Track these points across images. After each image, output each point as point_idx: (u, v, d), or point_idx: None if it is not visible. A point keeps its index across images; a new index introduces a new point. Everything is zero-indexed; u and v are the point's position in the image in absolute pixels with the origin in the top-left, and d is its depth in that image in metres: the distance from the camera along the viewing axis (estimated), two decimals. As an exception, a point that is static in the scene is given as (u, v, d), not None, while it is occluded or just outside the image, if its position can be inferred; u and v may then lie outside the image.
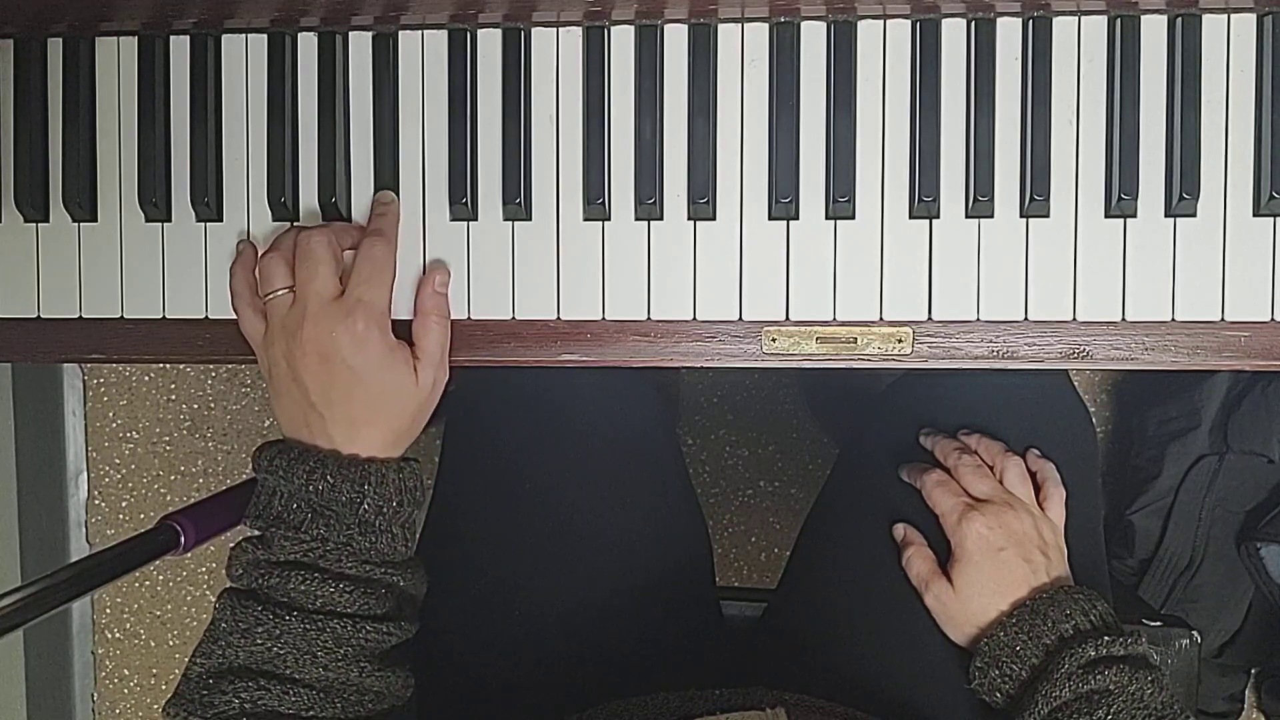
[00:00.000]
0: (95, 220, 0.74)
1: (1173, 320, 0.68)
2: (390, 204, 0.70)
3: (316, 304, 0.64)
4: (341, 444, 0.65)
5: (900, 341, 0.70)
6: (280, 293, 0.65)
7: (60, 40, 0.73)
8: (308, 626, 0.63)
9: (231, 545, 0.67)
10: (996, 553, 0.71)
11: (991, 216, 0.69)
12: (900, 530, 0.77)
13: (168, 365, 1.52)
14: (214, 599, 0.66)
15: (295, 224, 0.71)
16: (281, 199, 0.72)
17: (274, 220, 0.73)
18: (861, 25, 0.69)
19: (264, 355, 0.67)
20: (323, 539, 0.64)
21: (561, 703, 0.72)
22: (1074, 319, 0.69)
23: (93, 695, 1.59)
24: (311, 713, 0.63)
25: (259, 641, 0.63)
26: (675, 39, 0.70)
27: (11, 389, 1.41)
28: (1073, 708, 0.65)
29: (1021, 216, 0.69)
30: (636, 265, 0.71)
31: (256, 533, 0.66)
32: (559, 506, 0.78)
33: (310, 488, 0.64)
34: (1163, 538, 1.31)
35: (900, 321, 0.70)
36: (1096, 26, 0.68)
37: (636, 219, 0.70)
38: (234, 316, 0.72)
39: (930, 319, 0.69)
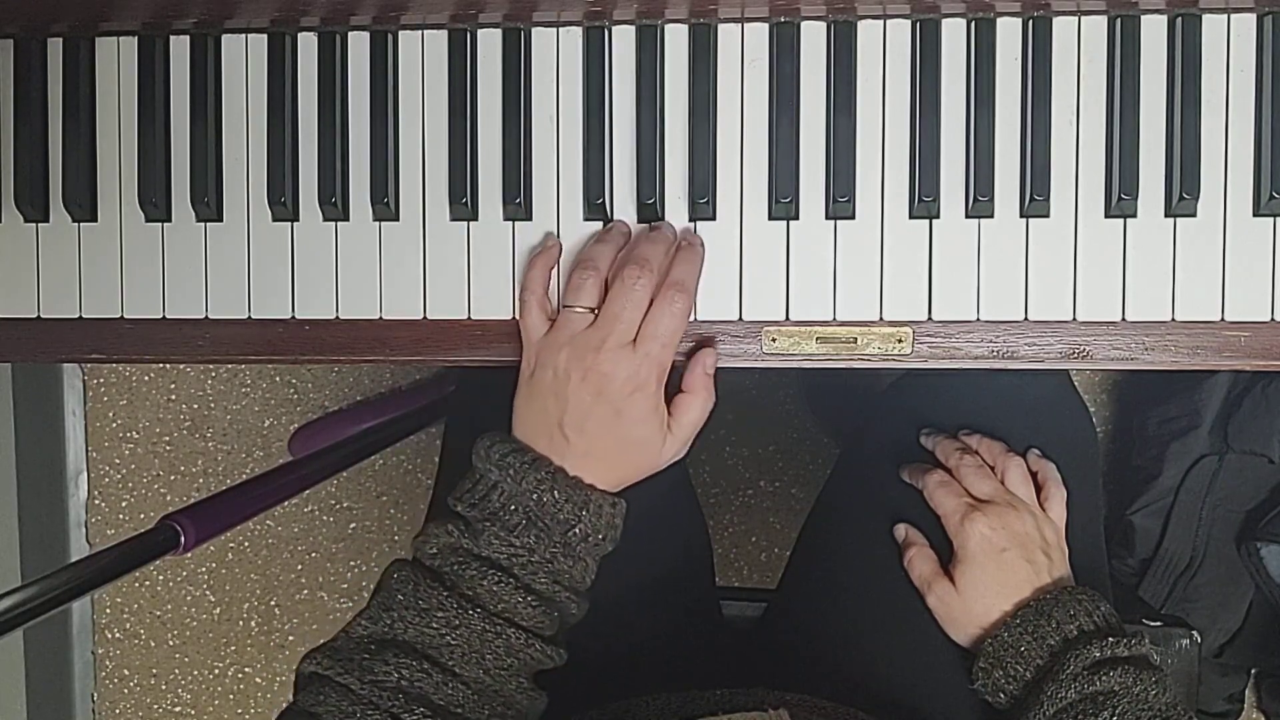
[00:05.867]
0: (95, 220, 0.74)
1: (1173, 320, 0.68)
2: (699, 248, 0.69)
3: (616, 341, 0.64)
4: (570, 470, 0.65)
5: (900, 341, 0.70)
6: (581, 311, 0.65)
7: (60, 40, 0.73)
8: (486, 627, 0.62)
9: (434, 522, 0.66)
10: (999, 553, 0.71)
11: (991, 216, 0.69)
12: (902, 531, 0.77)
13: (168, 365, 1.52)
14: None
15: (610, 234, 0.69)
16: (281, 199, 0.72)
17: (274, 220, 0.73)
18: (861, 25, 0.69)
19: (534, 355, 0.67)
20: (530, 549, 0.64)
21: (563, 703, 0.72)
22: (1074, 319, 0.69)
23: (93, 695, 1.59)
24: (459, 710, 0.62)
25: (434, 625, 0.62)
26: (675, 39, 0.70)
27: (11, 389, 1.41)
28: (1078, 709, 0.65)
29: (1021, 216, 0.69)
30: (637, 265, 0.70)
31: (461, 517, 0.66)
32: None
33: (535, 496, 0.64)
34: (1163, 538, 1.31)
35: (900, 321, 0.70)
36: (1096, 26, 0.68)
37: (638, 220, 0.70)
38: (234, 317, 0.73)
39: (930, 319, 0.69)
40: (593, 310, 0.66)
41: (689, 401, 0.68)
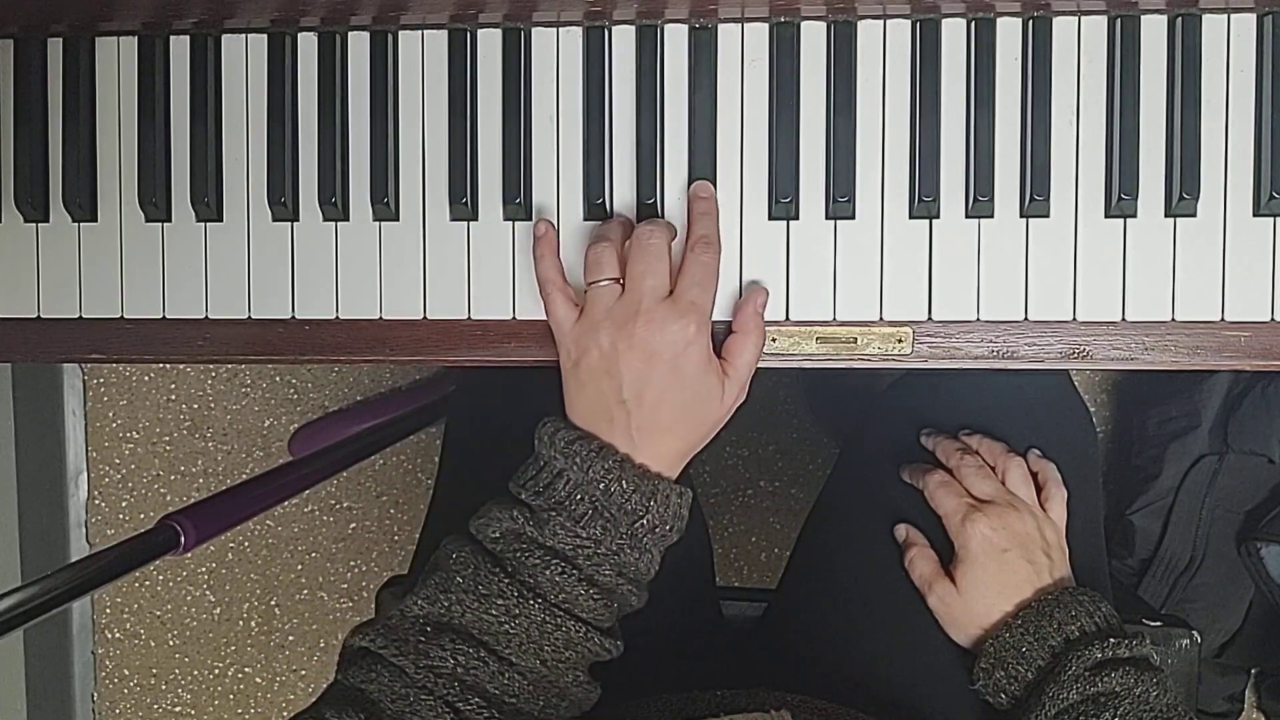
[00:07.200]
0: (95, 220, 0.74)
1: (1173, 320, 0.68)
2: (711, 200, 0.68)
3: (651, 301, 0.63)
4: (637, 445, 0.64)
5: (900, 341, 0.70)
6: (605, 284, 0.64)
7: (60, 40, 0.73)
8: (546, 618, 0.61)
9: (495, 504, 0.65)
10: (1000, 554, 0.71)
11: (991, 216, 0.69)
12: (902, 531, 0.77)
13: (168, 365, 1.52)
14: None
15: (615, 219, 0.70)
16: (281, 199, 0.72)
17: (274, 220, 0.73)
18: (861, 25, 0.69)
19: (572, 344, 0.66)
20: (596, 540, 0.63)
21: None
22: (1074, 319, 0.69)
23: (93, 695, 1.59)
24: (513, 700, 0.61)
25: (493, 613, 0.61)
26: (675, 39, 0.70)
27: (11, 389, 1.41)
28: (1079, 710, 0.65)
29: (1021, 216, 0.69)
30: (637, 265, 0.70)
31: (524, 504, 0.64)
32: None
33: (602, 485, 0.62)
34: (1163, 538, 1.31)
35: (900, 321, 0.70)
36: (1096, 26, 0.68)
37: (637, 220, 0.70)
38: (234, 317, 0.73)
39: (930, 319, 0.69)
40: (617, 281, 0.64)
41: (741, 342, 0.67)
